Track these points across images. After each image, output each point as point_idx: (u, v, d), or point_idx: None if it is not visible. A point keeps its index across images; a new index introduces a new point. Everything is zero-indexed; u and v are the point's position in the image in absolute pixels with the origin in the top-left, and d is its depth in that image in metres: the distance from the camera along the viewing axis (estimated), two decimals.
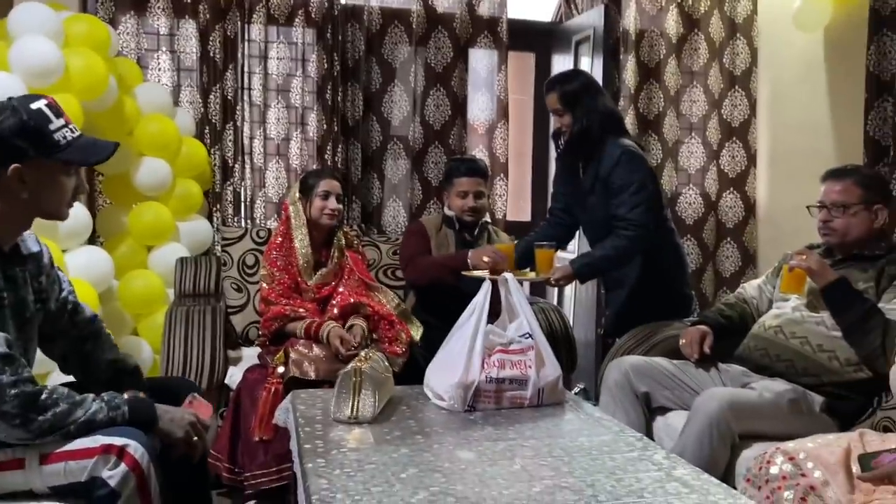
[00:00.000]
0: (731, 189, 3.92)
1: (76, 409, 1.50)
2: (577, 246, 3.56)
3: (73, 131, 1.58)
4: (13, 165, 1.51)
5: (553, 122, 2.86)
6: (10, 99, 1.55)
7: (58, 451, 1.48)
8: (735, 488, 1.56)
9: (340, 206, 2.72)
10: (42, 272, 1.70)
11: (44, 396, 1.47)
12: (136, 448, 1.49)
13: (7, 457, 1.48)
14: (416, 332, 2.69)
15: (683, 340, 2.30)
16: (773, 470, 1.55)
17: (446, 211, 2.93)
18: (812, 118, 3.45)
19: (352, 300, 2.62)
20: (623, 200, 2.59)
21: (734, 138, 3.92)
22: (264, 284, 2.66)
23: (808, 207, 2.24)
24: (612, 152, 2.64)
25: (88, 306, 1.87)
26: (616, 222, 2.61)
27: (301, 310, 2.60)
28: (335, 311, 2.61)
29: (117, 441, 1.48)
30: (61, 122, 1.56)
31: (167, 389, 1.85)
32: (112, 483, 1.46)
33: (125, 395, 1.61)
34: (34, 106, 1.53)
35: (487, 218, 3.01)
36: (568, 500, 1.36)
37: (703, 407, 1.93)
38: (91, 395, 1.55)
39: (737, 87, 3.90)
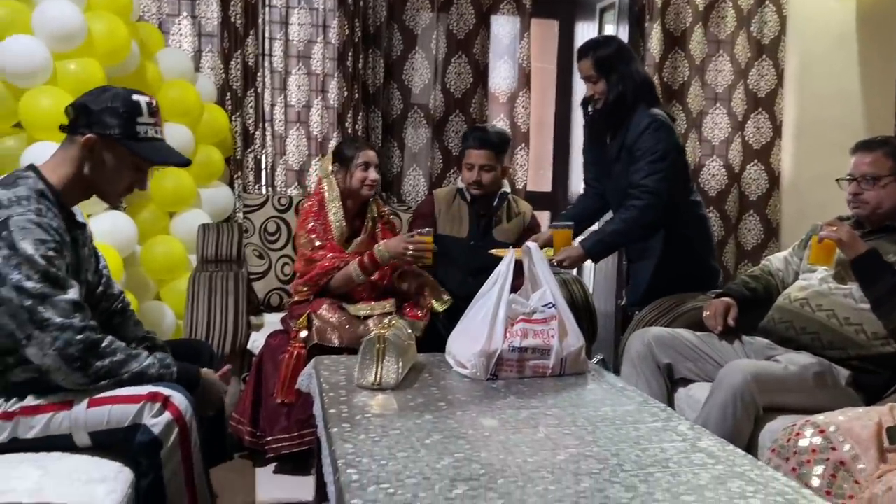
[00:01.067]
0: (756, 161, 3.86)
1: (131, 361, 1.58)
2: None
3: (156, 132, 1.68)
4: (90, 134, 1.61)
5: (585, 89, 2.79)
6: (122, 88, 1.70)
7: (106, 395, 1.54)
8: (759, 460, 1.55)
9: (378, 177, 2.72)
10: (86, 244, 1.78)
11: (104, 344, 1.55)
12: (180, 400, 1.55)
13: (58, 399, 1.55)
14: (442, 305, 2.68)
15: (707, 312, 2.28)
16: (803, 442, 1.54)
17: (459, 182, 2.90)
18: (842, 89, 3.38)
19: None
20: (640, 167, 2.56)
21: (760, 109, 3.84)
22: (306, 251, 2.66)
23: (837, 180, 2.20)
24: (640, 120, 2.60)
25: (116, 282, 1.93)
26: (630, 189, 2.57)
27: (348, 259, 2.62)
28: (381, 276, 2.65)
29: (164, 390, 1.55)
30: (151, 120, 1.67)
31: (187, 350, 1.90)
32: (155, 431, 1.51)
33: None
34: (134, 98, 1.66)
35: (507, 188, 2.94)
36: (593, 469, 1.36)
37: (728, 379, 1.92)
38: (145, 352, 1.63)
39: (764, 56, 3.82)
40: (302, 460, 2.49)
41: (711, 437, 1.55)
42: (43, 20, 2.62)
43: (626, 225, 2.58)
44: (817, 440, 1.54)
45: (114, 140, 1.63)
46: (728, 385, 1.90)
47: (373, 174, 2.68)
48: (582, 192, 3.09)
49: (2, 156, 2.70)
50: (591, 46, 2.71)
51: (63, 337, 1.49)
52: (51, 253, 1.52)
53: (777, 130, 3.85)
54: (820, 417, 1.59)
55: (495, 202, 2.86)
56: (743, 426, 1.90)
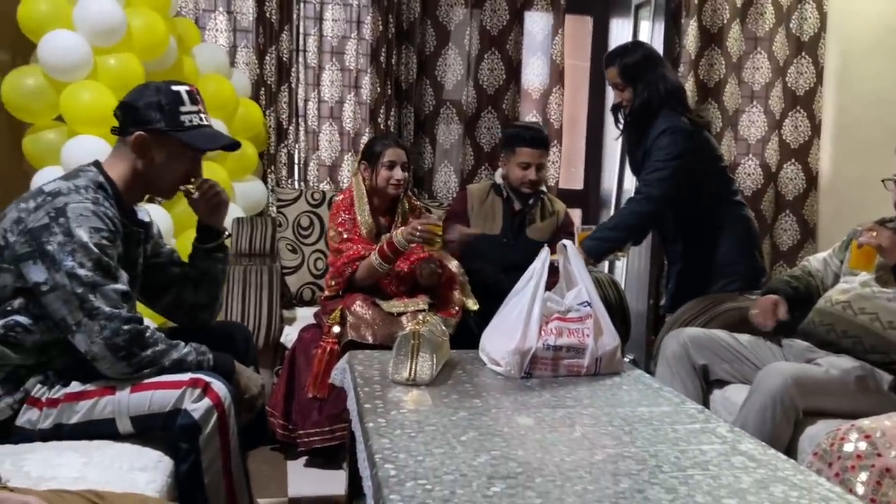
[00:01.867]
0: (793, 160, 3.80)
1: (172, 350, 1.62)
2: None
3: (202, 119, 1.71)
4: (138, 132, 1.65)
5: (613, 96, 2.80)
6: (162, 81, 1.74)
7: (148, 381, 1.57)
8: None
9: (406, 175, 2.70)
10: (149, 241, 1.84)
11: (148, 334, 1.58)
12: (220, 387, 1.58)
13: (102, 384, 1.58)
14: (474, 304, 2.67)
15: (755, 311, 2.23)
16: (847, 447, 1.50)
17: (496, 177, 2.87)
18: (883, 88, 3.30)
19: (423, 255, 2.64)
20: (647, 167, 2.61)
21: (798, 107, 3.78)
22: (334, 243, 2.67)
23: (883, 181, 2.15)
24: (660, 125, 2.62)
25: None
26: (636, 190, 2.64)
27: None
28: (406, 266, 2.63)
29: (204, 377, 1.58)
30: (194, 108, 1.70)
31: (221, 335, 1.92)
32: (195, 416, 1.54)
33: None
34: (175, 88, 1.69)
35: (543, 186, 2.93)
36: (631, 470, 1.35)
37: (767, 382, 1.89)
38: (182, 342, 1.66)
39: (803, 53, 3.75)
40: (333, 454, 2.51)
41: (752, 439, 1.53)
42: (84, 16, 2.65)
43: (621, 219, 2.65)
44: (862, 445, 1.51)
45: (161, 133, 1.66)
46: (767, 388, 1.87)
47: (398, 173, 2.66)
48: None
49: (43, 148, 2.75)
50: (617, 54, 2.73)
51: (111, 326, 1.52)
52: (104, 242, 1.55)
53: (815, 129, 3.78)
54: (865, 422, 1.55)
55: (531, 200, 2.84)
56: (782, 430, 1.87)
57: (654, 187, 2.58)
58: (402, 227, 2.57)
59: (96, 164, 1.70)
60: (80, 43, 2.65)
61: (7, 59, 2.85)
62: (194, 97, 1.71)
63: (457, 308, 2.63)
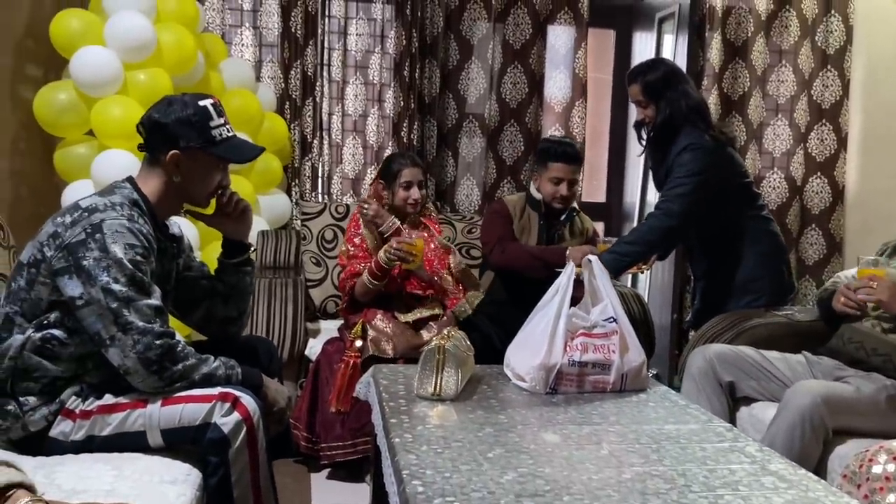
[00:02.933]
0: (819, 174, 3.76)
1: (202, 364, 1.63)
2: None
3: (228, 131, 1.74)
4: (172, 151, 1.68)
5: (636, 113, 2.80)
6: (182, 95, 1.75)
7: (179, 394, 1.59)
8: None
9: (423, 193, 2.73)
10: (181, 255, 1.87)
11: (179, 349, 1.61)
12: (248, 401, 1.60)
13: (134, 397, 1.61)
14: (475, 299, 2.68)
15: (842, 298, 2.06)
16: (876, 469, 1.48)
17: (533, 192, 2.83)
18: None
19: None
20: (667, 183, 2.63)
21: (824, 120, 3.75)
22: (343, 258, 2.70)
23: None
24: (681, 142, 2.62)
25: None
26: (657, 204, 2.64)
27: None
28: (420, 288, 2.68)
29: (234, 391, 1.60)
30: (221, 121, 1.72)
31: (242, 349, 1.93)
32: (225, 430, 1.56)
33: None
34: (201, 103, 1.71)
35: (574, 203, 2.90)
36: (660, 489, 1.34)
37: (795, 400, 1.86)
38: (212, 356, 1.67)
39: (829, 66, 3.73)
40: (356, 467, 2.51)
41: (782, 459, 1.51)
42: (115, 32, 2.70)
43: (640, 234, 2.65)
44: (891, 467, 1.49)
45: (196, 150, 1.69)
46: (796, 406, 1.85)
47: (415, 193, 2.68)
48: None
49: (74, 162, 2.79)
50: (639, 71, 2.74)
51: (143, 341, 1.54)
52: (139, 258, 1.58)
53: (842, 143, 3.74)
54: (894, 443, 1.53)
55: (564, 216, 2.82)
56: (811, 449, 1.84)
57: (675, 203, 2.58)
58: (386, 245, 2.57)
59: (130, 180, 1.73)
60: (111, 58, 2.70)
61: (40, 74, 2.91)
62: (220, 109, 1.74)
63: (460, 296, 2.67)
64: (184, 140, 1.68)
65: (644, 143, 2.86)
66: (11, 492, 1.11)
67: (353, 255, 2.67)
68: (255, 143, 1.86)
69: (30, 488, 1.15)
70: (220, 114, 1.73)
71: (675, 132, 2.64)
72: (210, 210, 1.85)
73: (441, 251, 2.74)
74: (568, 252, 2.62)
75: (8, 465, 1.14)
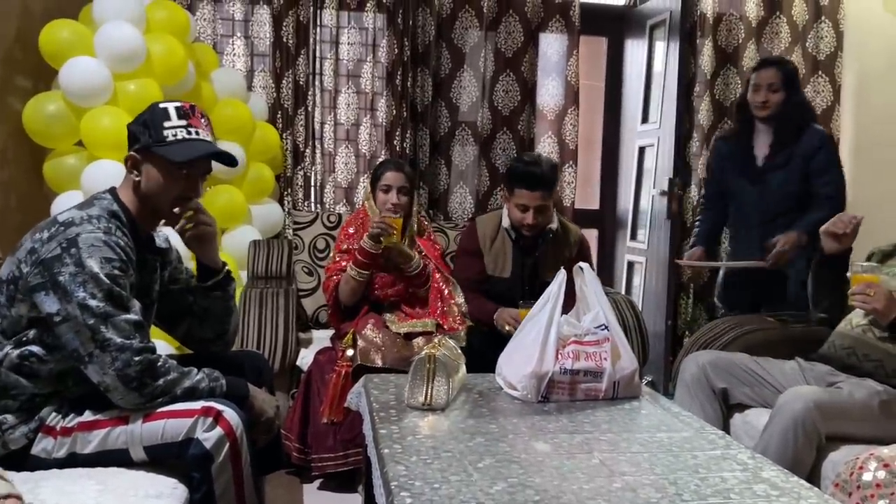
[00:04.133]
0: None
1: (184, 378, 1.60)
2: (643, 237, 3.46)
3: (189, 133, 1.65)
4: (129, 153, 1.66)
5: (749, 93, 2.83)
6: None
7: (161, 410, 1.56)
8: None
9: (405, 199, 2.65)
10: (167, 268, 1.83)
11: (159, 364, 1.57)
12: (231, 415, 1.56)
13: (115, 414, 1.58)
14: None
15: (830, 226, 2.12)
16: (866, 477, 1.47)
17: (503, 219, 2.69)
18: None
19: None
20: (828, 181, 2.77)
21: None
22: (329, 264, 2.70)
23: None
24: (814, 134, 2.78)
25: None
26: (819, 200, 2.75)
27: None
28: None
29: (216, 405, 1.56)
30: (181, 122, 1.65)
31: (230, 363, 1.90)
32: (207, 445, 1.53)
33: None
34: (163, 105, 1.67)
35: (554, 223, 2.69)
36: (651, 498, 1.32)
37: (788, 406, 1.86)
38: (195, 368, 1.64)
39: (820, 72, 3.74)
40: (348, 477, 2.49)
41: (774, 467, 1.50)
42: (105, 42, 2.70)
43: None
44: (881, 474, 1.48)
45: (146, 150, 1.64)
46: (789, 412, 1.84)
47: (393, 197, 2.64)
48: (703, 209, 3.15)
49: (64, 173, 2.78)
50: (778, 60, 2.92)
51: (122, 357, 1.51)
52: (116, 272, 1.55)
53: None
54: (885, 451, 1.52)
55: (541, 242, 2.67)
56: (804, 455, 1.83)
57: (839, 195, 2.79)
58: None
59: (111, 191, 1.70)
60: (101, 69, 2.69)
61: (29, 85, 2.89)
62: (184, 112, 1.66)
63: (459, 320, 2.62)
64: (137, 141, 1.65)
65: (743, 123, 2.91)
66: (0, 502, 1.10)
67: (345, 251, 2.67)
68: (215, 147, 1.73)
69: (19, 498, 1.14)
70: (183, 116, 1.65)
71: (802, 122, 2.79)
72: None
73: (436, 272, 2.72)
74: (495, 316, 2.56)
75: (12, 496, 1.13)
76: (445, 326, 2.59)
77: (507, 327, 2.46)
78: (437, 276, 2.70)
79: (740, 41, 3.72)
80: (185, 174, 1.67)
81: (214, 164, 1.77)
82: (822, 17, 3.72)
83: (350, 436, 2.40)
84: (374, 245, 2.54)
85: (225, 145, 3.07)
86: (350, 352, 2.45)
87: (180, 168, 1.66)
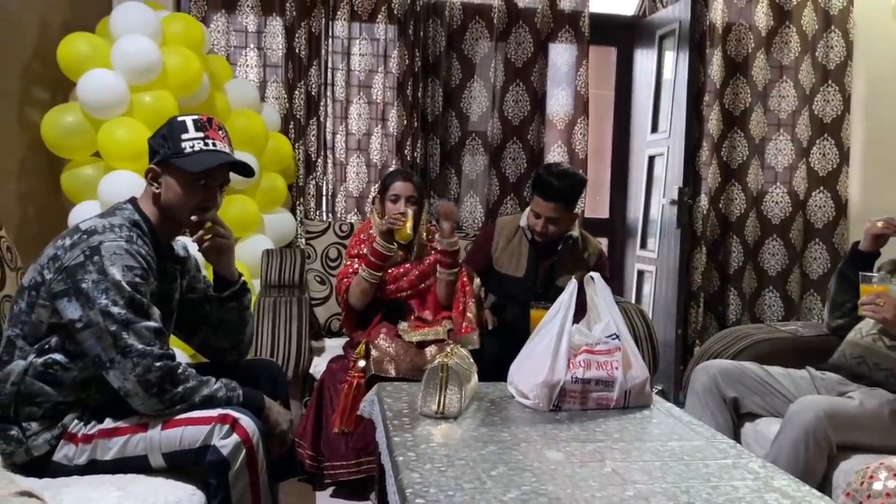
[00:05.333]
0: (822, 188, 3.77)
1: (202, 386, 1.63)
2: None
3: (206, 145, 1.68)
4: (149, 166, 1.69)
5: None
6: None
7: (178, 417, 1.59)
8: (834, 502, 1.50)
9: (413, 209, 2.65)
10: (185, 276, 1.86)
11: (179, 371, 1.60)
12: (248, 423, 1.59)
13: (134, 421, 1.61)
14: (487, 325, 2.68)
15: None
16: (877, 486, 1.47)
17: (522, 218, 2.75)
18: None
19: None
20: None
21: (826, 135, 3.76)
22: (341, 269, 2.73)
23: None
24: None
25: None
26: None
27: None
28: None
29: (233, 413, 1.59)
30: (199, 134, 1.68)
31: (245, 372, 1.92)
32: (224, 452, 1.55)
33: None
34: (181, 118, 1.70)
35: (575, 231, 2.72)
36: None
37: (799, 415, 1.86)
38: (213, 377, 1.67)
39: (830, 81, 3.75)
40: (360, 486, 2.51)
41: (785, 476, 1.51)
42: (122, 55, 2.74)
43: None
44: (892, 483, 1.48)
45: (165, 162, 1.68)
46: (800, 421, 1.85)
47: (401, 207, 2.64)
48: None
49: (81, 183, 2.82)
50: None
51: (143, 363, 1.54)
52: (137, 279, 1.58)
53: (844, 157, 3.76)
54: (895, 459, 1.53)
55: (559, 247, 2.71)
56: (815, 465, 1.84)
57: None
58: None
59: (132, 200, 1.74)
60: (118, 81, 2.73)
61: (47, 97, 2.94)
62: (201, 124, 1.69)
63: (473, 324, 2.62)
64: (157, 154, 1.69)
65: None
66: None
67: (356, 255, 2.69)
68: (231, 156, 1.75)
69: (40, 499, 1.16)
70: (200, 128, 1.69)
71: None
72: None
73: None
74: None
75: (30, 495, 1.15)
76: (456, 331, 2.61)
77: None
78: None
79: (750, 50, 3.74)
80: (202, 184, 1.70)
81: (231, 174, 1.80)
82: (832, 27, 3.73)
83: (363, 444, 2.42)
84: (386, 246, 2.55)
85: (239, 156, 3.11)
86: (362, 363, 2.46)
87: (198, 178, 1.69)
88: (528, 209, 2.73)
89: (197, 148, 1.67)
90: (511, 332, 2.57)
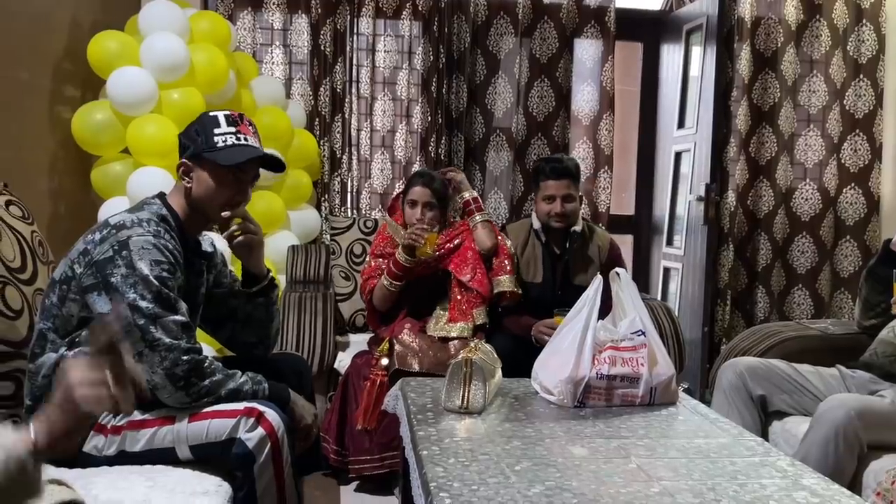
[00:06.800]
0: (853, 184, 3.71)
1: (228, 380, 1.65)
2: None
3: (238, 140, 1.69)
4: (181, 161, 1.71)
5: None
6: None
7: (205, 410, 1.61)
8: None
9: (430, 215, 2.64)
10: (212, 271, 1.88)
11: (206, 364, 1.62)
12: (273, 416, 1.60)
13: (162, 414, 1.62)
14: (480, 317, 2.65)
15: None
16: None
17: (533, 221, 2.75)
18: None
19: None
20: None
21: (857, 131, 3.70)
22: (365, 267, 2.74)
23: None
24: None
25: None
26: None
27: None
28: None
29: (258, 406, 1.60)
30: (231, 129, 1.70)
31: (280, 363, 1.96)
32: (249, 445, 1.57)
33: None
34: (212, 113, 1.72)
35: (579, 226, 2.72)
36: (689, 503, 1.32)
37: (829, 414, 1.83)
38: (239, 371, 1.69)
39: (861, 76, 3.68)
40: (384, 481, 2.52)
41: (814, 474, 1.48)
42: (150, 53, 2.78)
43: None
44: None
45: (197, 157, 1.70)
46: (830, 420, 1.82)
47: (417, 213, 2.63)
48: None
49: (110, 180, 2.86)
50: None
51: (170, 357, 1.56)
52: (165, 274, 1.60)
53: (876, 153, 3.69)
54: None
55: (567, 243, 2.70)
56: (845, 464, 1.81)
57: None
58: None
59: (161, 195, 1.76)
60: (146, 78, 2.77)
61: (78, 94, 2.99)
62: (233, 119, 1.71)
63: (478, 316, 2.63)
64: (189, 149, 1.71)
65: None
66: None
67: (379, 255, 2.70)
68: (262, 150, 1.75)
69: None
70: (232, 123, 1.70)
71: None
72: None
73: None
74: (532, 332, 2.56)
75: (60, 483, 1.16)
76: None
77: (545, 338, 2.47)
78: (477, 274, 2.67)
79: (779, 45, 3.68)
80: (234, 179, 1.72)
81: (260, 171, 1.81)
82: (864, 20, 3.66)
83: (386, 439, 2.43)
84: (407, 259, 2.56)
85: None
86: (385, 361, 2.47)
87: (230, 172, 1.70)
88: (532, 215, 2.76)
89: (229, 142, 1.69)
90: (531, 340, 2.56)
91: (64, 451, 0.97)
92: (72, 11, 2.94)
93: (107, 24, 2.97)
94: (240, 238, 1.80)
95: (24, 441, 0.92)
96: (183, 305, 1.64)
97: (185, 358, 1.57)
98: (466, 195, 2.81)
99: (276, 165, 1.81)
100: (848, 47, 3.68)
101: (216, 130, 1.69)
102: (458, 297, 2.64)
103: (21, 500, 0.90)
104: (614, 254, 2.79)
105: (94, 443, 1.62)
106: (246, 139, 1.71)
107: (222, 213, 1.74)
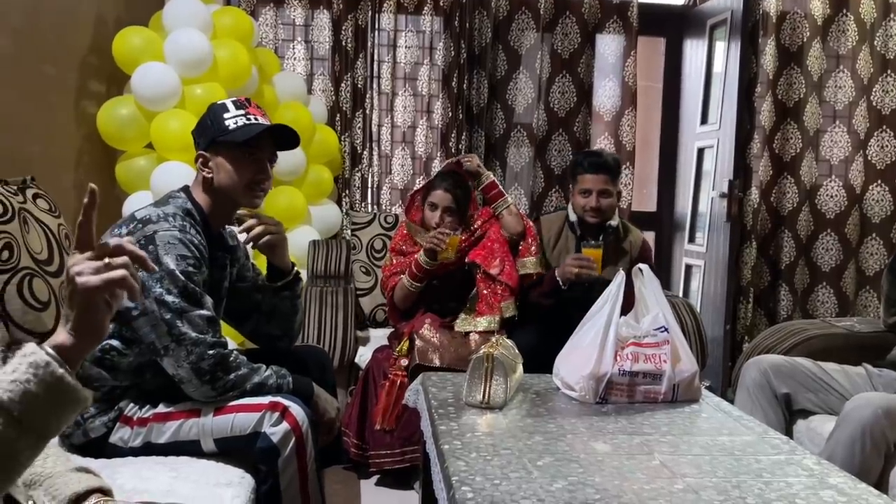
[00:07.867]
0: (879, 181, 3.65)
1: (253, 374, 1.66)
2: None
3: (248, 119, 1.70)
4: (197, 153, 1.72)
5: None
6: None
7: (230, 404, 1.62)
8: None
9: (450, 220, 2.61)
10: (236, 265, 1.88)
11: (231, 358, 1.63)
12: (297, 411, 1.61)
13: (187, 407, 1.64)
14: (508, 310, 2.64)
15: None
16: None
17: (569, 212, 2.75)
18: None
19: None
20: None
21: (884, 127, 3.64)
22: (386, 263, 2.74)
23: None
24: None
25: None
26: None
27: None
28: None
29: (283, 401, 1.61)
30: (239, 112, 1.71)
31: (302, 357, 1.96)
32: (274, 439, 1.57)
33: None
34: (220, 101, 1.74)
35: (615, 221, 2.71)
36: (714, 500, 1.31)
37: (856, 412, 1.81)
38: (264, 365, 1.69)
39: (889, 71, 3.62)
40: (404, 475, 2.53)
41: (841, 473, 1.46)
42: (174, 48, 2.80)
43: None
44: None
45: (212, 144, 1.71)
46: (856, 419, 1.80)
47: (437, 217, 2.61)
48: None
49: (135, 174, 2.89)
50: None
51: (196, 351, 1.57)
52: (190, 269, 1.61)
53: None
54: None
55: (601, 236, 2.67)
56: (872, 463, 1.79)
57: None
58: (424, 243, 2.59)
59: (185, 189, 1.77)
60: (170, 74, 2.79)
61: (103, 90, 3.02)
62: (240, 103, 1.73)
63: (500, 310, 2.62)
64: (203, 140, 1.72)
65: None
66: (91, 498, 1.14)
67: (399, 252, 2.70)
68: (272, 122, 1.76)
69: (107, 493, 1.19)
70: (240, 106, 1.72)
71: None
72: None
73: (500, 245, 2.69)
74: (557, 274, 2.54)
75: (87, 471, 1.17)
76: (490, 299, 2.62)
77: (575, 270, 2.45)
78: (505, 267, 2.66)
79: (805, 40, 3.63)
80: (252, 157, 1.72)
81: (278, 162, 1.82)
82: (892, 14, 3.60)
83: (407, 434, 2.43)
84: (429, 262, 2.56)
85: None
86: (404, 361, 2.47)
87: (246, 152, 1.71)
88: (568, 206, 2.75)
89: (240, 123, 1.70)
90: (548, 325, 2.55)
91: (92, 342, 0.97)
92: (97, 7, 2.97)
93: (131, 19, 3.00)
94: (266, 238, 1.81)
95: (48, 344, 0.93)
96: (208, 300, 1.65)
97: (210, 352, 1.58)
98: (485, 179, 2.77)
99: (291, 141, 1.80)
100: (875, 42, 3.62)
101: (226, 115, 1.70)
102: (485, 292, 2.64)
103: (70, 409, 0.92)
104: (645, 253, 2.77)
105: (121, 434, 1.64)
106: (256, 118, 1.72)
107: (238, 213, 1.77)
